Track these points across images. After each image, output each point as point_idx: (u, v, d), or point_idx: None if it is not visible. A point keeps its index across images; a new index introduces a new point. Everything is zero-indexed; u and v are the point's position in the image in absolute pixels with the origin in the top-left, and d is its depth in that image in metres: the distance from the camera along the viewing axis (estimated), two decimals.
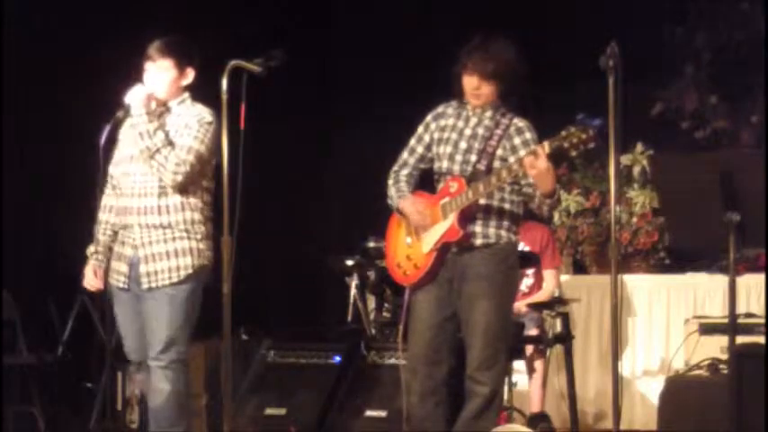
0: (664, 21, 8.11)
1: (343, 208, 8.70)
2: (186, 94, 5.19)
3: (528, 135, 4.92)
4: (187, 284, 5.06)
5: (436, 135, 5.04)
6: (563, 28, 8.04)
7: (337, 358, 6.30)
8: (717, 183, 4.28)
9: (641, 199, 7.50)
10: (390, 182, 5.10)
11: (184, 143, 5.03)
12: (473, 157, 4.92)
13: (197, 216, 5.10)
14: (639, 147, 7.58)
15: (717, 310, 6.88)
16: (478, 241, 4.91)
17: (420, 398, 4.99)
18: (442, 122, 5.05)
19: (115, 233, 5.19)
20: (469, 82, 4.94)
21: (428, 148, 5.07)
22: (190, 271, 5.05)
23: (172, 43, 5.15)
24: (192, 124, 5.07)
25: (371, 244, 6.35)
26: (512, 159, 4.85)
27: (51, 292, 7.32)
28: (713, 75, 8.16)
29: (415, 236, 4.99)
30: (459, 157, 4.95)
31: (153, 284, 5.04)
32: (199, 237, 5.10)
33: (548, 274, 6.83)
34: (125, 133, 5.20)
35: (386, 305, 6.78)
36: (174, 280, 5.04)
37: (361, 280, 7.08)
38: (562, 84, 7.55)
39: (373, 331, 6.88)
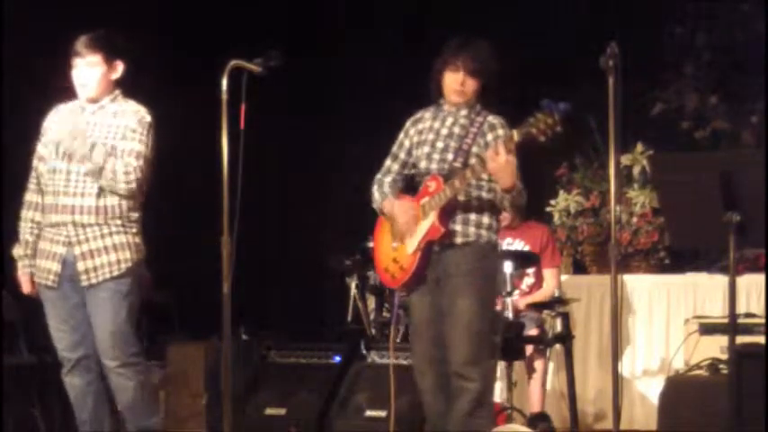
0: (664, 21, 8.11)
1: (343, 208, 8.70)
2: (118, 91, 5.15)
3: (500, 131, 4.96)
4: (128, 278, 5.04)
5: (415, 139, 5.11)
6: (563, 28, 8.04)
7: (337, 358, 6.31)
8: (717, 183, 4.28)
9: (641, 199, 7.49)
10: (374, 187, 5.15)
11: (132, 148, 5.01)
12: (450, 156, 4.97)
13: (133, 215, 5.10)
14: (639, 147, 7.57)
15: (717, 310, 6.87)
16: (459, 239, 4.94)
17: (432, 395, 5.02)
18: (420, 126, 5.12)
19: (40, 231, 5.14)
20: (454, 78, 4.98)
21: (409, 153, 5.14)
22: (130, 264, 5.04)
23: (99, 37, 5.10)
24: (134, 126, 5.04)
25: (371, 244, 6.34)
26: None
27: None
28: (713, 75, 8.16)
29: (400, 239, 5.03)
30: (436, 156, 5.00)
31: (93, 280, 5.01)
32: (134, 231, 5.09)
33: (548, 274, 6.84)
34: (52, 127, 5.14)
35: (386, 305, 6.79)
36: (116, 273, 5.02)
37: (361, 280, 7.09)
38: (562, 84, 7.55)
39: (373, 331, 6.89)
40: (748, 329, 5.94)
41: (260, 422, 6.14)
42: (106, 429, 5.15)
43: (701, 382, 5.38)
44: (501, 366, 6.03)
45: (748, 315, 6.27)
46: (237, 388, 6.05)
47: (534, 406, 6.55)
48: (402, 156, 5.15)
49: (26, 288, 5.23)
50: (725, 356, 5.50)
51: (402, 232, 5.02)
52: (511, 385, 6.11)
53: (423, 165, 5.04)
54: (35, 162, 5.19)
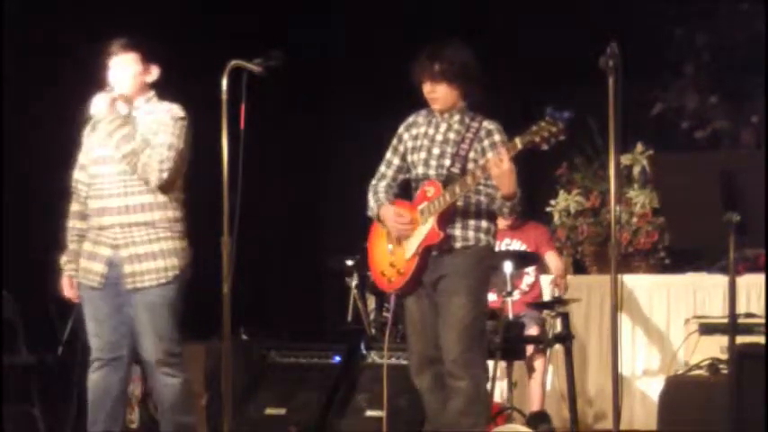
0: (664, 21, 8.11)
1: (344, 208, 8.70)
2: (152, 93, 5.21)
3: (497, 137, 4.97)
4: (174, 285, 5.08)
5: (410, 144, 5.12)
6: (563, 28, 8.04)
7: (337, 358, 6.31)
8: (717, 183, 4.28)
9: (641, 199, 7.49)
10: (369, 194, 5.17)
11: (164, 141, 5.04)
12: (447, 162, 4.99)
13: (178, 213, 5.13)
14: (639, 147, 7.57)
15: (717, 310, 6.87)
16: (458, 244, 4.96)
17: (430, 395, 5.05)
18: (414, 131, 5.13)
19: (82, 237, 5.19)
20: (425, 89, 5.03)
21: (403, 158, 5.16)
22: (177, 272, 5.08)
23: (134, 41, 5.18)
24: (165, 120, 5.08)
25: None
26: (480, 162, 4.90)
27: (51, 292, 7.31)
28: (713, 75, 8.16)
29: (397, 242, 5.04)
30: (433, 163, 5.02)
31: (138, 284, 5.04)
32: (180, 235, 5.13)
33: (550, 256, 6.82)
34: (90, 136, 5.21)
35: (386, 305, 6.79)
36: (163, 281, 5.05)
37: (360, 280, 7.09)
38: (562, 84, 7.56)
39: (373, 331, 6.90)
40: (748, 329, 5.94)
41: (260, 422, 6.14)
42: (116, 430, 5.17)
43: (701, 382, 5.38)
44: (501, 366, 6.04)
45: (748, 315, 6.26)
46: (237, 388, 6.06)
47: (534, 406, 6.56)
48: (396, 161, 5.17)
49: (66, 292, 5.28)
50: (725, 356, 5.50)
51: (398, 236, 5.03)
52: (511, 385, 6.11)
53: (420, 170, 5.05)
54: (76, 173, 5.25)
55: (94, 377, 5.14)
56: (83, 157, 5.23)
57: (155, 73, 5.19)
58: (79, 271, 5.18)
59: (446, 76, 4.97)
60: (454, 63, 4.98)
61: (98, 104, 5.08)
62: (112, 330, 5.10)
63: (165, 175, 5.01)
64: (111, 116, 5.05)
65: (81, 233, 5.20)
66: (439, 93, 5.00)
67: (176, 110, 5.13)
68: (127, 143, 5.01)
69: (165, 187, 5.05)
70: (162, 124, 5.07)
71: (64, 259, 5.26)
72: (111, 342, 5.10)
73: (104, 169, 5.10)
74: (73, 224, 5.25)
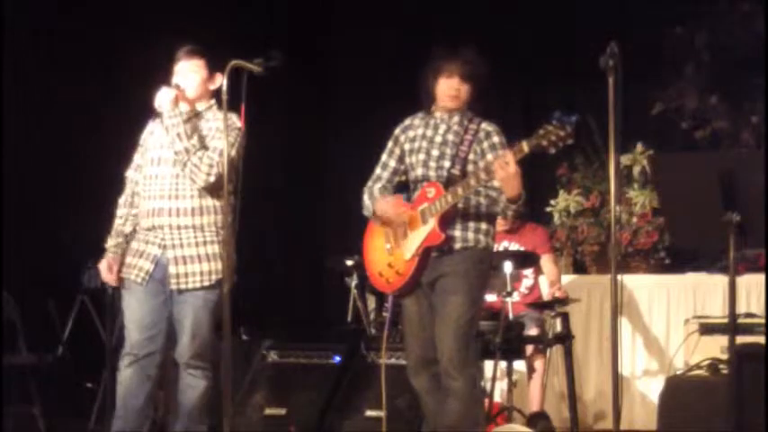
0: (664, 21, 8.11)
1: (343, 208, 8.70)
2: (213, 101, 5.27)
3: (495, 139, 4.98)
4: (217, 289, 5.13)
5: (407, 146, 5.12)
6: (563, 28, 8.04)
7: (337, 358, 6.31)
8: (717, 183, 4.28)
9: (641, 199, 7.49)
10: (365, 195, 5.17)
11: (216, 146, 5.11)
12: (447, 163, 4.98)
13: (227, 219, 5.16)
14: (639, 147, 7.58)
15: (717, 310, 6.87)
16: (458, 245, 4.96)
17: (428, 395, 5.05)
18: (411, 133, 5.13)
19: (130, 222, 5.26)
20: (449, 84, 5.01)
21: (400, 160, 5.15)
22: (221, 276, 5.11)
23: (202, 48, 5.27)
24: (221, 128, 5.12)
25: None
26: (482, 164, 4.90)
27: (51, 292, 7.32)
28: (713, 75, 8.16)
29: (395, 242, 5.03)
30: (432, 164, 5.01)
31: (183, 286, 5.13)
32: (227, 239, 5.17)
33: (545, 260, 6.80)
34: (148, 138, 5.29)
35: (386, 305, 6.79)
36: (206, 284, 5.14)
37: (360, 280, 7.09)
38: (562, 84, 7.56)
39: (373, 331, 6.89)
40: (748, 329, 5.94)
41: (260, 422, 6.14)
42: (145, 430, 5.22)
43: (700, 382, 5.37)
44: (501, 366, 6.04)
45: (748, 315, 6.26)
46: (237, 388, 6.06)
47: (534, 406, 6.55)
48: (392, 164, 5.17)
49: (104, 275, 5.27)
50: (725, 356, 5.50)
51: (396, 232, 5.01)
52: (511, 385, 6.11)
53: (419, 172, 5.04)
54: (131, 172, 5.32)
55: (126, 373, 5.19)
56: (140, 157, 5.30)
57: (218, 81, 5.24)
58: (124, 267, 5.23)
59: (473, 79, 4.99)
60: (479, 66, 5.01)
61: (162, 98, 5.15)
62: (148, 327, 5.17)
63: (211, 178, 5.07)
64: (172, 112, 5.11)
65: (134, 223, 5.25)
66: (463, 93, 5.01)
67: (233, 119, 5.17)
68: (181, 141, 5.08)
69: (210, 190, 5.10)
70: (218, 131, 5.13)
71: (111, 242, 5.29)
72: (146, 338, 5.16)
73: (159, 170, 5.18)
74: (122, 213, 5.30)
